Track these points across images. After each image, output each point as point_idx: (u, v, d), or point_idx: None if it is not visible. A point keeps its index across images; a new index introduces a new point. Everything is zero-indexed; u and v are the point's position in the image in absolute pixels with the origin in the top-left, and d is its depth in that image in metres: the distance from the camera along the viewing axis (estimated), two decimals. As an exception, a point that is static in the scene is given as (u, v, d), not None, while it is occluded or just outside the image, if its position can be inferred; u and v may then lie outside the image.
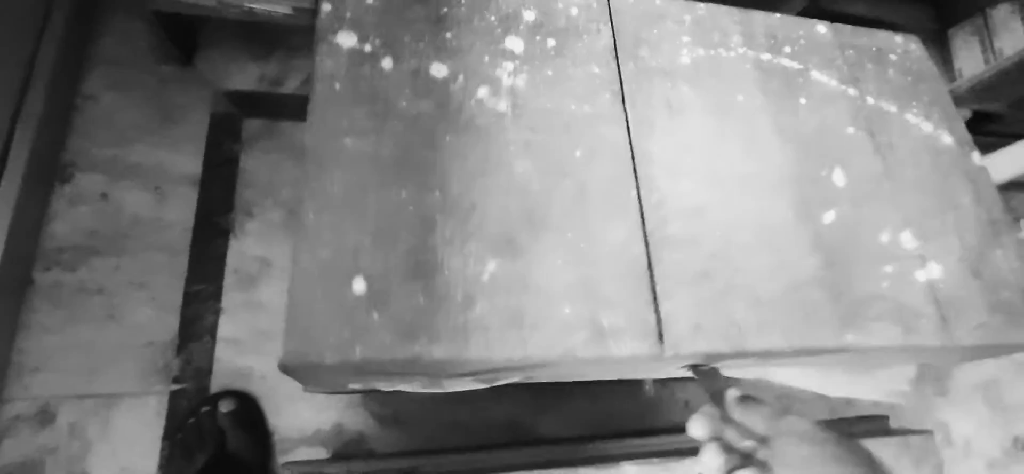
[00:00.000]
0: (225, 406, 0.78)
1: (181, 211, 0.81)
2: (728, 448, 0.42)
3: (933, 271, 0.51)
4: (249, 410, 0.79)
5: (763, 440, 0.39)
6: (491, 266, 0.42)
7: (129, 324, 0.78)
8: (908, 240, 0.52)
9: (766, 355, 0.45)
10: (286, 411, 0.82)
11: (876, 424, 0.69)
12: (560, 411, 0.91)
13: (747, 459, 0.40)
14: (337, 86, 0.43)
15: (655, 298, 0.44)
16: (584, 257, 0.44)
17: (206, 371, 0.80)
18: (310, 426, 0.83)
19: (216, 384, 0.81)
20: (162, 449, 0.77)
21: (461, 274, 0.41)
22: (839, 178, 0.53)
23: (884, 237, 0.52)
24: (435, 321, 0.39)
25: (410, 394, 0.89)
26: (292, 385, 0.86)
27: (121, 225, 0.80)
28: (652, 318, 0.44)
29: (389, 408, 0.85)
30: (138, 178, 0.81)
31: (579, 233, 0.44)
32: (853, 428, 0.67)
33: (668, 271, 0.45)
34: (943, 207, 0.54)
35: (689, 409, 0.92)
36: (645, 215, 0.47)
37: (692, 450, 0.60)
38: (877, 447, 0.64)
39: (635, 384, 0.93)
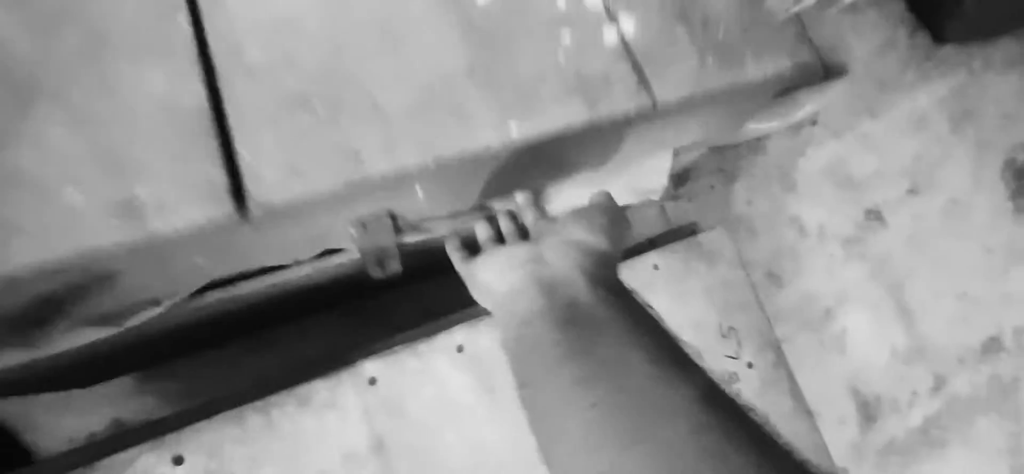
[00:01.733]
0: (-46, 449, 0.64)
1: None
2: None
3: (626, 27, 0.41)
4: (-9, 441, 0.66)
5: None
6: (-58, 167, 0.29)
7: None
8: (591, -5, 0.41)
9: (401, 179, 0.35)
10: (45, 425, 0.69)
11: (682, 232, 0.62)
12: (385, 323, 0.81)
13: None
14: None
15: (226, 147, 0.32)
16: (102, 122, 0.31)
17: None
18: (80, 433, 0.70)
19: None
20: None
21: None
22: (494, -61, 0.41)
23: (560, 1, 0.40)
24: None
25: (199, 358, 0.77)
26: (43, 398, 0.72)
27: None
28: (220, 173, 0.32)
29: (174, 381, 0.73)
30: None
31: (92, 93, 0.32)
32: (655, 243, 0.59)
33: (246, 109, 0.33)
34: (636, -54, 0.43)
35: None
36: (209, 44, 0.34)
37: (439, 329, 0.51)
38: (664, 256, 0.56)
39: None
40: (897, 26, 1.20)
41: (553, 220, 0.37)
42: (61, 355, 0.40)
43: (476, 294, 0.37)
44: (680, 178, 0.94)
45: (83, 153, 0.31)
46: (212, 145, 0.32)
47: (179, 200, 0.31)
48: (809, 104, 0.50)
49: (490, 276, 0.35)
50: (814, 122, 1.09)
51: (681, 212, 0.93)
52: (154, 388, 0.71)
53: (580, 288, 0.30)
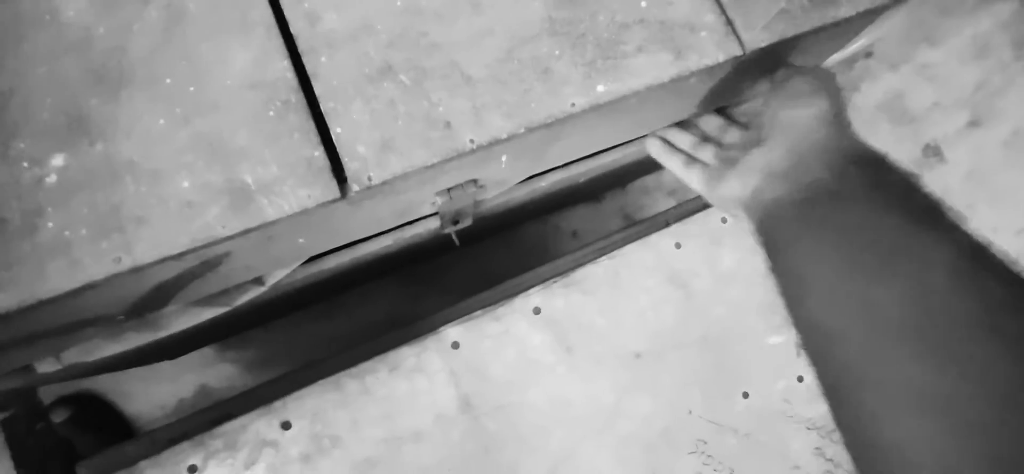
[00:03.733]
0: (58, 415, 0.69)
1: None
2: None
3: (709, -35, 0.38)
4: (91, 410, 0.71)
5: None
6: (56, 162, 0.29)
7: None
8: (671, -65, 0.38)
9: (497, 149, 0.34)
10: (138, 395, 0.74)
11: None
12: (440, 286, 0.83)
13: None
14: None
15: (321, 124, 0.32)
16: (196, 106, 0.31)
17: (31, 388, 0.71)
18: (170, 399, 0.75)
19: (50, 395, 0.72)
20: (19, 477, 0.69)
21: (12, 187, 0.29)
22: None
23: (638, -58, 0.38)
24: (-14, 262, 0.28)
25: (271, 327, 0.79)
26: (133, 369, 0.76)
27: None
28: (318, 152, 0.32)
29: (251, 349, 0.76)
30: None
31: (181, 75, 0.31)
32: None
33: (333, 82, 0.33)
34: None
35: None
36: (285, 16, 0.33)
37: (514, 292, 0.51)
38: None
39: (514, 232, 0.84)
40: (958, -57, 1.10)
41: (772, 100, 0.36)
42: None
43: (720, 206, 0.39)
44: (730, 123, 0.90)
45: (186, 139, 0.31)
46: (306, 123, 0.32)
47: (284, 183, 0.31)
48: (864, 35, 0.46)
49: (734, 188, 0.36)
50: (869, 54, 1.02)
51: (732, 158, 0.90)
52: (233, 356, 0.75)
53: (818, 169, 0.30)
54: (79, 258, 0.29)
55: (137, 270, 0.29)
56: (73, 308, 0.31)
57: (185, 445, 0.46)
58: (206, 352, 0.74)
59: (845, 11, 0.40)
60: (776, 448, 0.47)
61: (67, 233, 0.29)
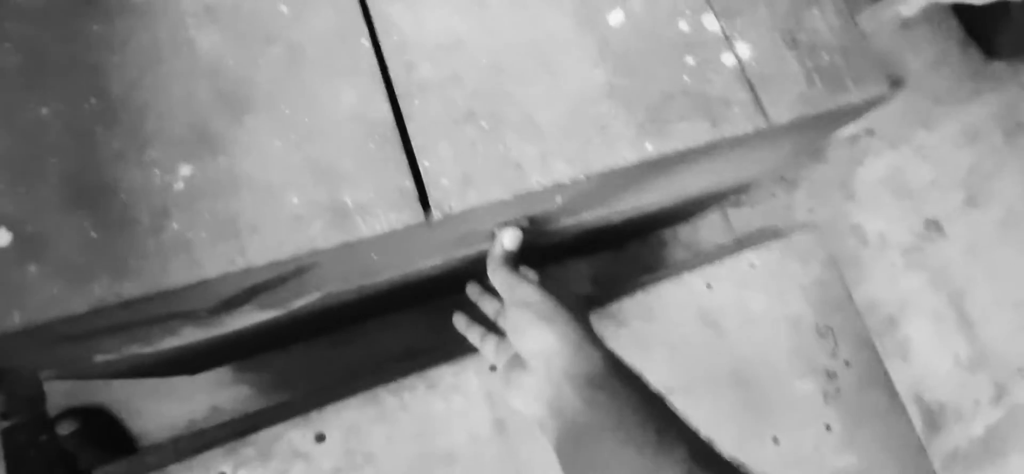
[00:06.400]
0: (64, 428, 0.71)
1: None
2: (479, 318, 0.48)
3: (742, 51, 0.47)
4: (97, 424, 0.73)
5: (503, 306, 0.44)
6: (184, 171, 0.35)
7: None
8: (710, 23, 0.47)
9: (556, 190, 0.41)
10: (147, 411, 0.76)
11: (765, 233, 0.68)
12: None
13: (492, 326, 0.47)
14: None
15: (411, 158, 0.38)
16: (309, 133, 0.37)
17: (37, 397, 0.73)
18: (180, 419, 0.77)
19: (55, 407, 0.74)
20: (16, 490, 0.71)
21: (144, 190, 0.34)
22: (624, -31, 0.47)
23: (683, 26, 0.46)
24: (117, 253, 0.33)
25: (291, 351, 0.83)
26: (145, 384, 0.79)
27: None
28: (409, 182, 0.38)
29: (268, 373, 0.79)
30: None
31: (298, 106, 0.38)
32: (744, 244, 0.65)
33: (424, 123, 0.40)
34: (749, -24, 0.49)
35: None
36: (387, 64, 0.40)
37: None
38: (760, 254, 0.61)
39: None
40: (949, 41, 1.24)
41: (519, 324, 0.41)
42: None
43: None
44: (742, 185, 0.99)
45: (298, 161, 0.37)
46: (400, 156, 0.38)
47: (378, 205, 0.37)
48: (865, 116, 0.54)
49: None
50: (870, 132, 1.13)
51: (744, 219, 0.98)
52: (249, 379, 0.78)
53: (572, 402, 0.37)
54: (199, 258, 0.34)
55: (247, 272, 0.35)
56: (176, 300, 0.36)
57: (216, 451, 0.48)
58: (222, 372, 0.77)
59: (854, 97, 0.48)
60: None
61: (189, 235, 0.34)
